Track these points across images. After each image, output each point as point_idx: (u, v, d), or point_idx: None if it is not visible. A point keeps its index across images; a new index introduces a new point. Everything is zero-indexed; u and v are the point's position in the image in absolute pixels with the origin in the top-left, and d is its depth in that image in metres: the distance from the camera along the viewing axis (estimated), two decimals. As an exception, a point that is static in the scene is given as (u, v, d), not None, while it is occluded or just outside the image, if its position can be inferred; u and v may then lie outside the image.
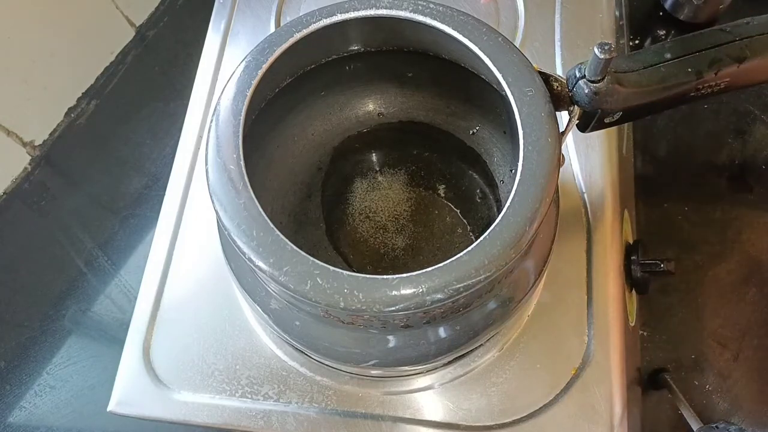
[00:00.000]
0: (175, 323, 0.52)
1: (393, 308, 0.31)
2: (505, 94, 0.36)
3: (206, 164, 0.36)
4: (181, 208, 0.56)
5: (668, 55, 0.37)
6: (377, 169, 0.53)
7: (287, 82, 0.43)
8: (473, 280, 0.31)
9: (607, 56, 0.33)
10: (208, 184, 0.35)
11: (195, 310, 0.52)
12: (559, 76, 0.38)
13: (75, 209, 0.66)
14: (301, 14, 0.40)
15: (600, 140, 0.55)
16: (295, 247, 0.33)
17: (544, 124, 0.35)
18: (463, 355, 0.48)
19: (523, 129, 0.35)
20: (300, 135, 0.49)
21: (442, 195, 0.52)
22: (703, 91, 0.39)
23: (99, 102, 0.70)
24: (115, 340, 0.56)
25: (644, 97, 0.38)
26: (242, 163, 0.35)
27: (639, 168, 0.62)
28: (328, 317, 0.36)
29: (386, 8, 0.39)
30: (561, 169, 0.36)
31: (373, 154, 0.53)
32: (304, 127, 0.49)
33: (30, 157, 0.66)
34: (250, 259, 0.33)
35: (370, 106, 0.51)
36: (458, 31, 0.38)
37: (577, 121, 0.39)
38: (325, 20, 0.39)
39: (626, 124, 0.58)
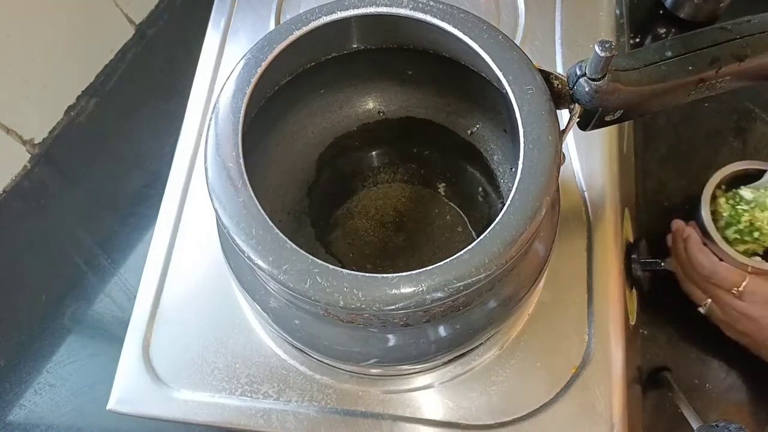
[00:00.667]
0: (174, 322, 0.52)
1: (393, 307, 0.31)
2: (506, 92, 0.36)
3: (205, 162, 0.36)
4: (180, 207, 0.56)
5: (669, 54, 0.37)
6: (377, 167, 0.53)
7: (287, 79, 0.43)
8: (473, 279, 0.31)
9: (608, 54, 0.33)
10: (207, 183, 0.35)
11: (194, 308, 0.52)
12: (559, 74, 0.38)
13: (74, 207, 0.66)
14: (300, 12, 0.39)
15: (600, 138, 0.55)
16: (294, 246, 0.32)
17: (545, 122, 0.35)
18: (463, 354, 0.48)
19: (523, 127, 0.35)
20: (300, 133, 0.49)
21: (443, 193, 0.52)
22: (703, 90, 0.39)
23: (99, 100, 0.70)
24: (115, 338, 0.56)
25: (645, 96, 0.38)
26: (241, 161, 0.35)
27: (640, 166, 0.62)
28: (328, 316, 0.36)
29: (386, 6, 0.39)
30: (561, 167, 0.36)
31: (373, 152, 0.53)
32: (303, 125, 0.49)
33: (30, 155, 0.66)
34: (249, 258, 0.33)
35: (370, 104, 0.51)
36: (458, 29, 0.38)
37: (578, 120, 0.39)
38: (324, 18, 0.39)
39: (627, 123, 0.58)
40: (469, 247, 0.32)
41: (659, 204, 0.61)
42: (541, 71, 0.37)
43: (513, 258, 0.32)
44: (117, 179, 0.67)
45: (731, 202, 0.52)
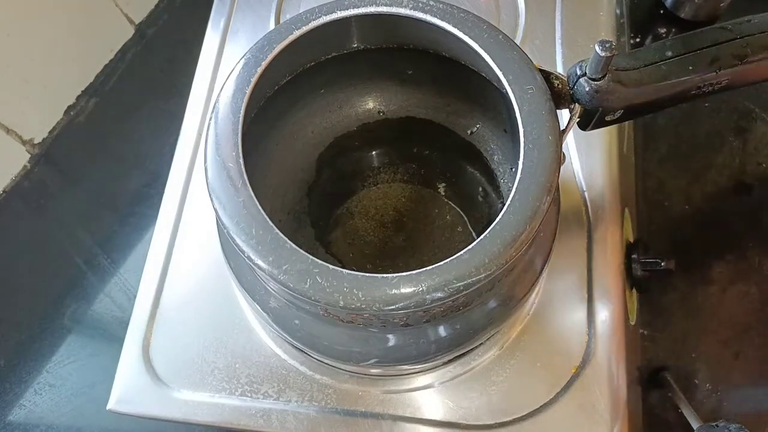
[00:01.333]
0: (174, 322, 0.52)
1: (393, 307, 0.31)
2: (506, 91, 0.36)
3: (205, 162, 0.36)
4: (180, 206, 0.56)
5: (669, 53, 0.37)
6: (377, 167, 0.53)
7: (287, 79, 0.43)
8: (473, 279, 0.31)
9: (608, 54, 0.33)
10: (207, 182, 0.35)
11: (194, 308, 0.52)
12: (559, 73, 0.38)
13: (74, 207, 0.66)
14: (300, 11, 0.39)
15: (601, 138, 0.55)
16: (294, 246, 0.32)
17: (545, 122, 0.35)
18: (463, 354, 0.48)
19: (523, 127, 0.35)
20: (299, 133, 0.49)
21: (443, 193, 0.52)
22: (703, 89, 0.39)
23: (98, 100, 0.70)
24: (115, 338, 0.56)
25: (645, 95, 0.38)
26: (241, 161, 0.35)
27: (640, 166, 0.62)
28: (328, 316, 0.36)
29: (386, 5, 0.39)
30: (562, 167, 0.36)
31: (373, 152, 0.53)
32: (303, 125, 0.49)
33: (29, 155, 0.66)
34: (249, 258, 0.33)
35: (370, 104, 0.51)
36: (458, 29, 0.38)
37: (578, 119, 0.39)
38: (324, 17, 0.39)
39: (627, 123, 0.58)
40: (469, 247, 0.32)
41: (659, 204, 0.61)
42: (542, 71, 0.37)
43: (513, 258, 0.32)
44: (117, 179, 0.67)
45: None
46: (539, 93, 0.36)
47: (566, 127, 0.38)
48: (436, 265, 0.32)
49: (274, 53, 0.38)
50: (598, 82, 0.36)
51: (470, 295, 0.34)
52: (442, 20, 0.38)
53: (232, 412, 0.48)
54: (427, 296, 0.31)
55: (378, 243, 0.50)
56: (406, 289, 0.31)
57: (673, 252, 0.58)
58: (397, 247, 0.50)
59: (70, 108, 0.69)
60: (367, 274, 0.32)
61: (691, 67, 0.37)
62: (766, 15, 0.38)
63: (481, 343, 0.48)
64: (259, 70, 0.38)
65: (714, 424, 0.43)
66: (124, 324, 0.52)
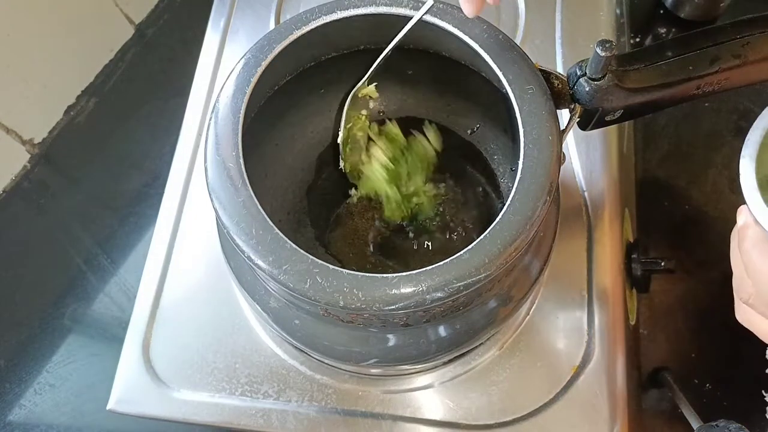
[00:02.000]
0: (174, 322, 0.52)
1: (393, 307, 0.31)
2: (506, 91, 0.36)
3: (205, 162, 0.36)
4: (180, 206, 0.56)
5: (669, 53, 0.37)
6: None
7: (287, 79, 0.43)
8: (473, 279, 0.31)
9: (608, 54, 0.33)
10: (207, 182, 0.35)
11: (194, 308, 0.52)
12: (559, 73, 0.38)
13: (74, 207, 0.66)
14: (300, 11, 0.40)
15: (601, 138, 0.55)
16: (294, 246, 0.32)
17: (545, 122, 0.35)
18: (463, 354, 0.48)
19: (523, 127, 0.35)
20: (299, 133, 0.49)
21: (443, 192, 0.52)
22: (704, 89, 0.39)
23: (98, 100, 0.70)
24: (115, 338, 0.56)
25: (645, 95, 0.38)
26: (241, 160, 0.35)
27: (640, 166, 0.62)
28: (328, 316, 0.36)
29: (386, 5, 0.39)
30: (562, 167, 0.36)
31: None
32: (303, 125, 0.49)
33: (29, 155, 0.66)
34: (249, 258, 0.33)
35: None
36: (458, 29, 0.38)
37: (578, 119, 0.39)
38: (324, 17, 0.39)
39: (627, 123, 0.58)
40: (469, 247, 0.32)
41: (659, 204, 0.61)
42: (542, 71, 0.37)
43: (513, 258, 0.32)
44: (117, 179, 0.67)
45: None
46: (539, 93, 0.36)
47: (566, 127, 0.38)
48: (436, 265, 0.32)
49: (274, 53, 0.38)
50: (598, 82, 0.36)
51: (470, 295, 0.34)
52: (442, 20, 0.38)
53: (232, 412, 0.48)
54: (427, 296, 0.31)
55: (379, 242, 0.50)
56: (406, 289, 0.31)
57: (673, 252, 0.58)
58: (397, 246, 0.50)
59: (70, 108, 0.69)
60: (367, 274, 0.32)
61: (691, 67, 0.37)
62: (765, 15, 0.38)
63: (481, 343, 0.48)
64: (259, 70, 0.38)
65: (714, 424, 0.43)
66: (124, 324, 0.52)
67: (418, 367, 0.47)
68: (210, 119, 0.37)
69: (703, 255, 0.58)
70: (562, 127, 0.36)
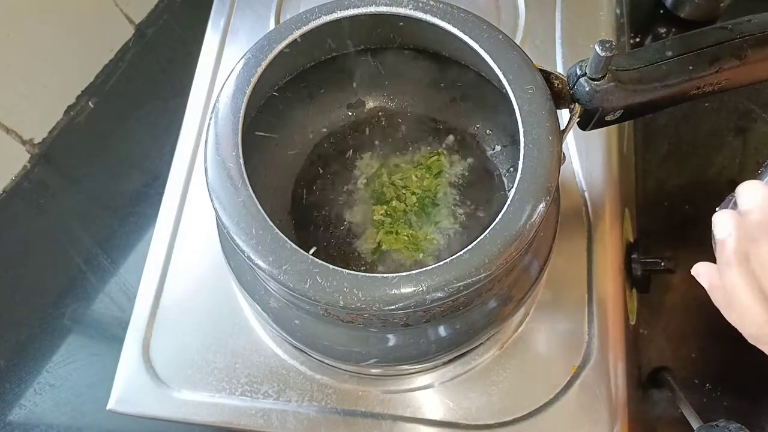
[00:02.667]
0: (174, 322, 0.52)
1: (393, 307, 0.31)
2: (506, 91, 0.36)
3: (205, 162, 0.36)
4: (180, 206, 0.56)
5: (669, 53, 0.37)
6: (377, 165, 0.53)
7: (287, 79, 0.43)
8: (473, 279, 0.31)
9: (608, 54, 0.33)
10: (207, 183, 0.35)
11: (194, 308, 0.52)
12: (559, 73, 0.38)
13: (74, 207, 0.66)
14: (300, 11, 0.40)
15: (601, 138, 0.55)
16: (294, 245, 0.32)
17: (545, 121, 0.35)
18: (463, 354, 0.48)
19: (523, 127, 0.35)
20: (299, 132, 0.49)
21: (444, 191, 0.52)
22: (703, 89, 0.39)
23: (98, 100, 0.70)
24: (115, 338, 0.56)
25: (645, 95, 0.38)
26: (241, 160, 0.35)
27: (640, 166, 0.62)
28: (328, 316, 0.36)
29: (386, 5, 0.39)
30: (562, 167, 0.36)
31: (374, 151, 0.53)
32: (303, 125, 0.49)
33: (29, 155, 0.66)
34: (249, 258, 0.33)
35: (370, 103, 0.51)
36: (459, 29, 0.38)
37: (578, 119, 0.39)
38: (324, 17, 0.39)
39: (627, 123, 0.58)
40: (469, 247, 0.32)
41: (659, 204, 0.61)
42: (542, 71, 0.37)
43: (513, 258, 0.32)
44: (117, 179, 0.67)
45: None
46: (539, 93, 0.36)
47: (566, 127, 0.38)
48: (436, 265, 0.32)
49: (274, 53, 0.38)
50: (598, 82, 0.36)
51: (470, 295, 0.34)
52: (442, 20, 0.38)
53: (232, 412, 0.48)
54: (427, 296, 0.31)
55: (379, 240, 0.50)
56: (406, 289, 0.31)
57: (673, 252, 0.58)
58: (398, 245, 0.50)
59: (70, 108, 0.69)
60: (367, 274, 0.32)
61: (691, 67, 0.37)
62: (766, 15, 0.38)
63: (481, 343, 0.48)
64: (259, 70, 0.38)
65: (714, 424, 0.43)
66: (124, 324, 0.52)
67: (418, 367, 0.47)
68: (210, 119, 0.37)
69: (703, 255, 0.58)
70: (562, 127, 0.36)
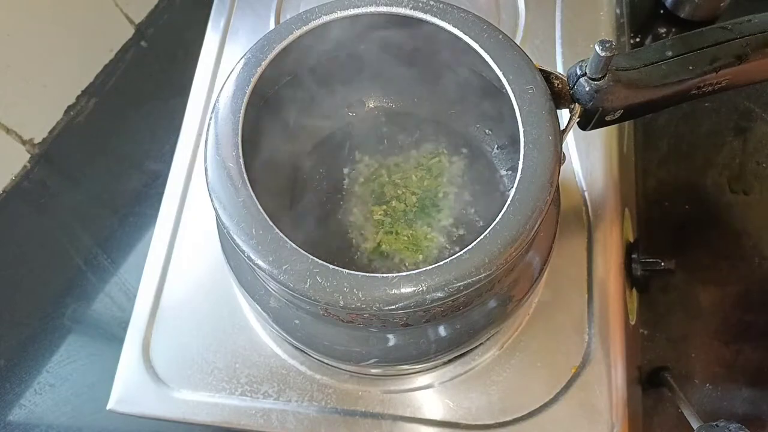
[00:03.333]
0: (174, 321, 0.52)
1: (393, 307, 0.31)
2: (506, 91, 0.36)
3: (205, 162, 0.36)
4: (180, 206, 0.56)
5: (669, 53, 0.37)
6: (377, 165, 0.53)
7: (287, 79, 0.43)
8: (473, 279, 0.31)
9: (608, 54, 0.33)
10: (207, 182, 0.35)
11: (194, 308, 0.52)
12: (559, 73, 0.38)
13: (74, 207, 0.66)
14: (300, 11, 0.40)
15: (601, 138, 0.55)
16: (294, 245, 0.32)
17: (545, 121, 0.35)
18: (463, 354, 0.48)
19: (523, 127, 0.35)
20: (300, 132, 0.49)
21: (444, 192, 0.52)
22: (704, 89, 0.39)
23: (98, 100, 0.70)
24: (115, 338, 0.56)
25: (645, 95, 0.38)
26: (241, 160, 0.35)
27: (640, 166, 0.62)
28: (328, 316, 0.36)
29: (386, 5, 0.39)
30: (562, 167, 0.36)
31: (374, 151, 0.53)
32: (303, 125, 0.49)
33: (29, 155, 0.66)
34: (249, 258, 0.33)
35: (371, 103, 0.51)
36: (459, 28, 0.38)
37: (578, 119, 0.39)
38: (324, 17, 0.39)
39: (627, 123, 0.58)
40: (469, 247, 0.32)
41: (659, 204, 0.61)
42: (542, 71, 0.37)
43: (513, 258, 0.32)
44: (117, 179, 0.67)
45: None
46: (539, 93, 0.36)
47: (566, 127, 0.38)
48: (436, 264, 0.32)
49: (274, 53, 0.38)
50: (598, 82, 0.36)
51: (470, 294, 0.34)
52: (442, 20, 0.38)
53: (232, 412, 0.48)
54: (427, 296, 0.31)
55: (380, 240, 0.50)
56: (406, 289, 0.31)
57: (673, 252, 0.58)
58: (398, 245, 0.50)
59: (70, 108, 0.69)
60: (367, 274, 0.32)
61: (691, 67, 0.37)
62: (766, 15, 0.38)
63: (481, 343, 0.48)
64: (259, 70, 0.38)
65: (714, 424, 0.43)
66: (124, 324, 0.52)
67: (418, 367, 0.47)
68: (210, 119, 0.37)
69: (703, 255, 0.58)
70: (562, 127, 0.36)
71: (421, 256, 0.47)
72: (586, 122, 0.39)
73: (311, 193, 0.51)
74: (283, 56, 0.39)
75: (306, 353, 0.48)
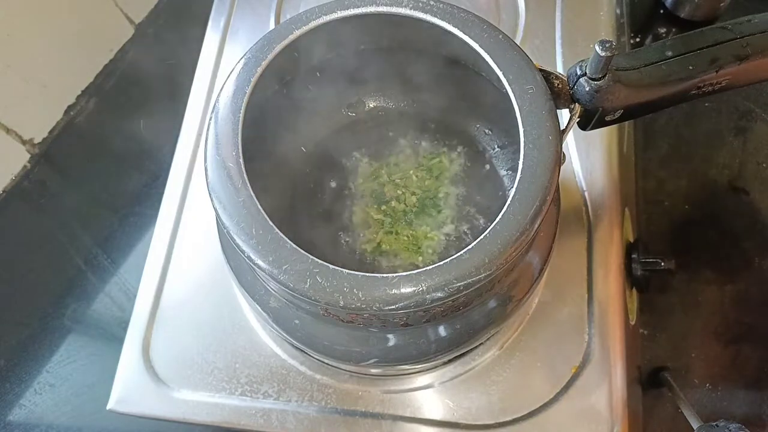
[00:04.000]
0: (174, 321, 0.52)
1: (393, 307, 0.31)
2: (506, 91, 0.36)
3: (205, 162, 0.36)
4: (180, 206, 0.56)
5: (669, 53, 0.37)
6: (378, 165, 0.53)
7: (287, 79, 0.43)
8: (473, 279, 0.31)
9: (608, 54, 0.33)
10: (207, 182, 0.35)
11: (194, 308, 0.52)
12: (559, 73, 0.38)
13: (74, 207, 0.66)
14: (300, 11, 0.39)
15: (601, 138, 0.55)
16: (294, 245, 0.32)
17: (545, 121, 0.35)
18: (463, 354, 0.48)
19: (523, 127, 0.35)
20: (299, 132, 0.49)
21: (445, 192, 0.52)
22: (703, 89, 0.39)
23: (98, 100, 0.70)
24: (115, 338, 0.56)
25: (645, 95, 0.38)
26: (241, 161, 0.35)
27: (640, 166, 0.62)
28: (328, 316, 0.36)
29: (386, 5, 0.39)
30: (562, 167, 0.36)
31: (374, 151, 0.53)
32: (303, 125, 0.49)
33: (29, 155, 0.66)
34: (249, 258, 0.33)
35: (371, 103, 0.51)
36: (459, 29, 0.38)
37: (578, 119, 0.39)
38: (324, 17, 0.39)
39: (627, 123, 0.58)
40: (469, 247, 0.32)
41: (659, 204, 0.61)
42: (542, 71, 0.37)
43: (513, 258, 0.32)
44: (117, 179, 0.67)
45: None
46: (539, 93, 0.36)
47: (566, 127, 0.38)
48: (436, 264, 0.32)
49: (274, 53, 0.38)
50: (598, 82, 0.36)
51: (470, 294, 0.34)
52: (442, 20, 0.38)
53: (232, 412, 0.48)
54: (427, 296, 0.31)
55: (380, 240, 0.50)
56: (407, 289, 0.31)
57: (673, 252, 0.58)
58: (398, 244, 0.50)
59: (70, 108, 0.69)
60: (367, 274, 0.32)
61: (691, 67, 0.37)
62: (766, 15, 0.38)
63: (481, 343, 0.48)
64: (259, 70, 0.38)
65: (714, 424, 0.43)
66: (124, 324, 0.52)
67: (418, 367, 0.47)
68: (210, 119, 0.37)
69: (703, 255, 0.58)
70: (562, 127, 0.36)
71: (420, 258, 0.47)
72: (586, 122, 0.39)
73: (311, 193, 0.51)
74: (283, 56, 0.39)
75: (306, 353, 0.48)
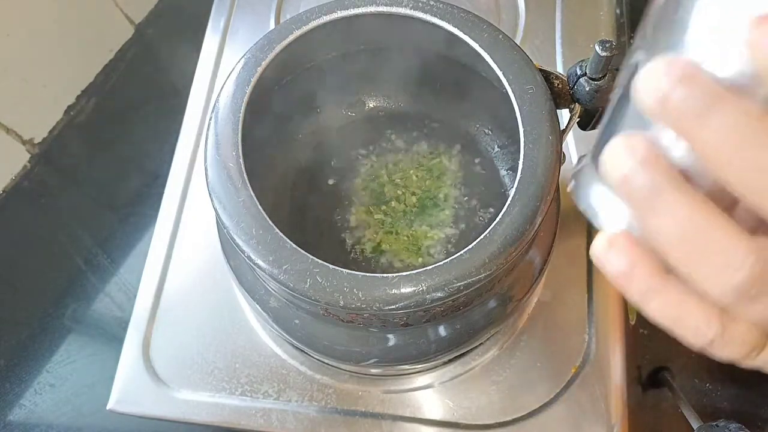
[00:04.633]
0: (174, 321, 0.52)
1: (393, 306, 0.31)
2: (506, 91, 0.36)
3: (205, 162, 0.36)
4: (180, 206, 0.56)
5: (669, 53, 0.37)
6: (377, 165, 0.53)
7: (287, 79, 0.43)
8: (473, 279, 0.31)
9: (609, 54, 0.33)
10: (207, 182, 0.35)
11: (194, 308, 0.52)
12: (560, 73, 0.38)
13: (74, 207, 0.66)
14: (300, 11, 0.39)
15: (600, 138, 0.55)
16: (294, 245, 0.32)
17: (545, 122, 0.35)
18: (463, 354, 0.48)
19: (523, 127, 0.35)
20: (299, 132, 0.49)
21: (445, 192, 0.52)
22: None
23: (98, 100, 0.70)
24: (115, 338, 0.56)
25: (645, 95, 0.37)
26: (241, 160, 0.35)
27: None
28: (328, 315, 0.36)
29: (386, 5, 0.39)
30: (562, 167, 0.36)
31: (374, 151, 0.53)
32: (303, 125, 0.49)
33: (29, 155, 0.66)
34: (249, 257, 0.33)
35: (371, 103, 0.51)
36: (459, 29, 0.38)
37: (578, 119, 0.39)
38: (324, 17, 0.39)
39: (627, 123, 0.58)
40: (469, 247, 0.32)
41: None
42: (542, 71, 0.37)
43: (513, 257, 0.32)
44: (117, 179, 0.67)
45: None
46: (539, 93, 0.36)
47: (566, 127, 0.38)
48: (436, 264, 0.32)
49: (274, 53, 0.38)
50: (598, 82, 0.36)
51: (470, 294, 0.34)
52: (442, 20, 0.38)
53: (232, 412, 0.48)
54: (428, 296, 0.31)
55: (380, 240, 0.50)
56: (407, 289, 0.31)
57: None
58: (399, 244, 0.50)
59: (70, 108, 0.69)
60: (367, 274, 0.32)
61: (691, 67, 0.37)
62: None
63: (481, 343, 0.48)
64: (259, 70, 0.38)
65: (714, 424, 0.43)
66: (124, 324, 0.52)
67: (418, 367, 0.47)
68: (210, 119, 0.37)
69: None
70: (562, 127, 0.36)
71: (420, 258, 0.47)
72: (586, 122, 0.39)
73: (311, 193, 0.51)
74: (283, 56, 0.39)
75: (306, 353, 0.48)
